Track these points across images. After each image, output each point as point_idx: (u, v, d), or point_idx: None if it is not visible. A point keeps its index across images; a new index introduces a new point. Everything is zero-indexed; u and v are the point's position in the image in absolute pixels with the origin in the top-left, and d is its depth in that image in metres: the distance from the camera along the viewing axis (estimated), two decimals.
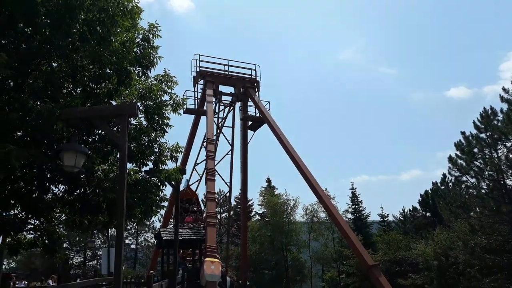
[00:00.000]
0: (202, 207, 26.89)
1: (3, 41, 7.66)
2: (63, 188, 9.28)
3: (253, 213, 50.18)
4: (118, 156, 9.79)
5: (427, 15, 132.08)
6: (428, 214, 40.68)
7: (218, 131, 28.29)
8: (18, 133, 8.31)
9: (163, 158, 10.55)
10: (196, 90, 28.33)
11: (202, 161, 27.49)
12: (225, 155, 29.21)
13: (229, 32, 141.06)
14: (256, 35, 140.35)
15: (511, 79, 49.54)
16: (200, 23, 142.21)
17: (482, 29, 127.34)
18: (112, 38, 8.35)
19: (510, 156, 26.10)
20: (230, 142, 29.48)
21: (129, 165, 9.34)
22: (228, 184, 29.75)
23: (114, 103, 9.86)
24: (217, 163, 26.36)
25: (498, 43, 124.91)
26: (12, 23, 7.50)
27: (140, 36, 9.46)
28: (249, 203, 47.38)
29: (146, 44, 9.45)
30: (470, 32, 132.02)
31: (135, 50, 9.33)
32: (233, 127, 29.69)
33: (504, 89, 25.94)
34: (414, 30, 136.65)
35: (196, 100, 28.10)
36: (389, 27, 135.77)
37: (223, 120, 29.12)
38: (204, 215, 21.84)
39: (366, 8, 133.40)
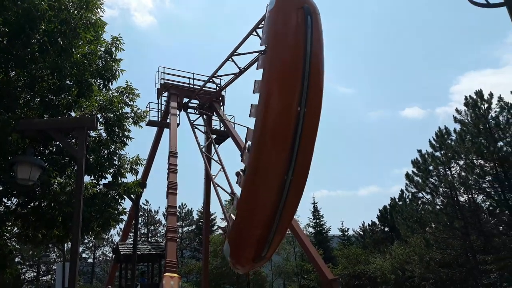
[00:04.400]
0: None
1: None
2: (16, 201, 8.98)
3: (215, 227, 49.83)
4: (75, 168, 9.62)
5: (381, 39, 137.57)
6: (386, 229, 41.75)
7: (193, 129, 27.72)
8: None
9: (122, 171, 10.41)
10: (160, 103, 28.11)
11: None
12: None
13: (192, 47, 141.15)
14: (219, 50, 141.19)
15: (461, 101, 52.03)
16: (162, 38, 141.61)
17: (435, 53, 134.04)
18: (73, 50, 8.28)
19: (463, 174, 27.38)
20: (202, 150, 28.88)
21: (87, 178, 9.19)
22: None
23: (73, 114, 9.73)
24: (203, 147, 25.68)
25: (449, 67, 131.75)
26: None
27: (103, 49, 9.41)
28: (212, 217, 47.06)
29: (109, 57, 9.41)
30: (423, 55, 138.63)
31: (97, 62, 9.27)
32: (205, 128, 29.10)
33: (457, 110, 27.32)
34: (370, 52, 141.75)
35: (159, 113, 27.87)
36: (346, 48, 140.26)
37: (193, 125, 28.57)
38: (165, 229, 21.48)
39: (325, 30, 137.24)
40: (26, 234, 9.90)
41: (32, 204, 8.87)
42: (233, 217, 15.64)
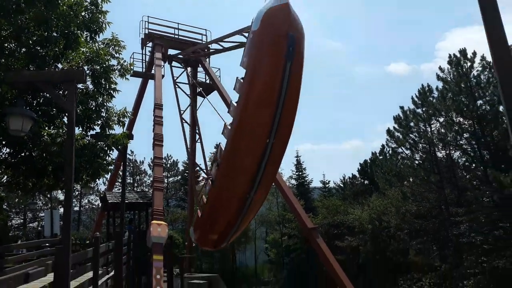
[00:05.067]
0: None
1: None
2: (7, 151, 9.21)
3: (200, 177, 50.70)
4: (64, 120, 9.81)
5: None
6: (366, 182, 43.17)
7: (175, 87, 27.46)
8: None
9: (110, 123, 10.60)
10: (144, 53, 27.74)
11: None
12: (186, 108, 27.91)
13: None
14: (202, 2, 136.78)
15: (445, 58, 52.32)
16: None
17: (424, 8, 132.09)
18: (59, 1, 8.23)
19: (442, 130, 28.24)
20: (190, 96, 28.44)
21: (76, 130, 9.41)
22: (198, 139, 28.30)
23: (60, 66, 9.77)
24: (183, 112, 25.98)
25: (436, 23, 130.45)
26: None
27: (89, 0, 9.33)
28: (197, 168, 47.76)
29: (95, 9, 9.35)
30: (411, 10, 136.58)
31: (83, 14, 9.22)
32: (189, 83, 28.67)
33: (440, 68, 27.70)
34: (358, 5, 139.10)
35: (144, 63, 27.58)
36: (334, 1, 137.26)
37: (176, 78, 28.12)
38: (151, 179, 22.00)
39: None
40: (16, 182, 10.20)
41: (23, 154, 9.11)
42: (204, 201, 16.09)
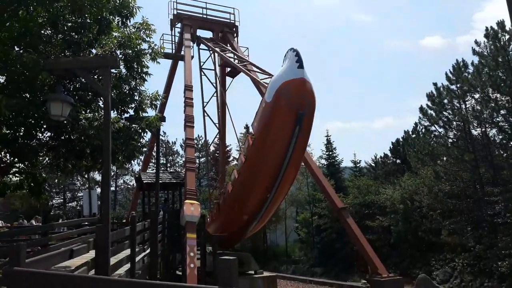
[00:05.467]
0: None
1: None
2: (48, 134, 9.67)
3: (231, 158, 51.32)
4: (100, 104, 10.18)
5: None
6: (398, 161, 42.50)
7: (201, 75, 27.94)
8: (2, 81, 8.57)
9: (143, 106, 10.93)
10: (173, 34, 28.03)
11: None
12: (211, 98, 28.68)
13: None
14: None
15: (483, 30, 50.07)
16: None
17: None
18: None
19: (477, 107, 27.35)
20: (214, 85, 29.03)
21: (111, 114, 9.76)
22: (217, 126, 29.25)
23: (94, 51, 10.08)
24: (206, 105, 26.85)
25: None
26: None
27: None
28: (228, 148, 48.36)
29: None
30: None
31: None
32: (215, 70, 29.25)
33: (476, 42, 26.63)
34: None
35: (173, 44, 27.87)
36: None
37: (203, 63, 28.61)
38: (183, 159, 22.51)
39: None
40: (57, 164, 10.72)
41: (62, 137, 9.54)
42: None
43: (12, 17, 8.69)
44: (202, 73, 27.57)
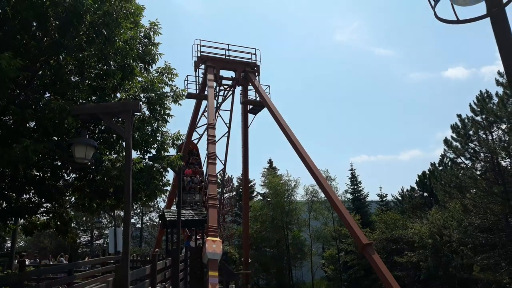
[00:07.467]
0: (202, 160, 27.77)
1: (16, 43, 8.33)
2: (73, 175, 10.10)
3: (255, 193, 51.29)
4: (123, 145, 10.60)
5: None
6: (425, 194, 41.54)
7: (216, 114, 28.91)
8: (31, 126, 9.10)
9: (165, 146, 11.32)
10: (197, 75, 28.98)
11: (203, 125, 28.84)
12: (222, 136, 29.86)
13: (225, 15, 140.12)
14: (252, 18, 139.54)
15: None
16: (195, 6, 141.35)
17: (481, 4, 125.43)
18: (116, 38, 9.02)
19: (505, 138, 26.74)
20: (228, 125, 30.21)
21: (134, 154, 10.14)
22: (223, 162, 30.48)
23: (119, 95, 10.63)
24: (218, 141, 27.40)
25: None
26: (25, 27, 8.18)
27: (142, 34, 10.13)
28: (251, 183, 48.44)
29: (148, 41, 10.13)
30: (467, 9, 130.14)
31: (137, 47, 10.01)
32: (231, 110, 30.32)
33: (499, 72, 26.37)
34: (407, 11, 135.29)
35: (197, 85, 28.76)
36: (382, 9, 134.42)
37: (220, 104, 29.77)
38: (206, 197, 22.74)
39: None
40: (82, 203, 11.10)
41: (87, 178, 9.94)
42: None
43: (44, 66, 9.34)
44: (218, 115, 28.66)
